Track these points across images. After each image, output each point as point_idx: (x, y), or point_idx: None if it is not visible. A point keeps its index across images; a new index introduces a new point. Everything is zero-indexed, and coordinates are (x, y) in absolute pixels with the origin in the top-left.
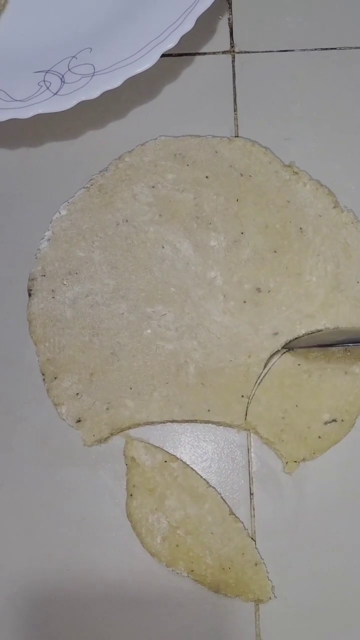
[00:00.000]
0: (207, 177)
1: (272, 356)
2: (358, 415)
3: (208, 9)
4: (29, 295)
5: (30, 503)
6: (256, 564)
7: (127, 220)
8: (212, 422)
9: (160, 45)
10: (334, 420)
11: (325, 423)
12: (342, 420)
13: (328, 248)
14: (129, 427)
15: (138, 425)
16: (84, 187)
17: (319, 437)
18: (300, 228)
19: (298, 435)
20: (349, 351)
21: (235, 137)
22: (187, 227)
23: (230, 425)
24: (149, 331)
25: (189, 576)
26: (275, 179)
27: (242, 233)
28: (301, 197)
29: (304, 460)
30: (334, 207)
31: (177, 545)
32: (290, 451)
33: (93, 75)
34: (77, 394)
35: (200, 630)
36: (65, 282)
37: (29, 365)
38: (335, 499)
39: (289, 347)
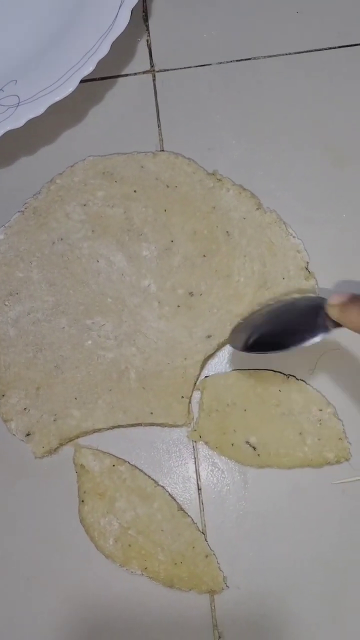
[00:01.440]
0: (135, 191)
1: (206, 358)
2: None
3: (125, 32)
4: None
5: None
6: (207, 556)
7: (62, 239)
8: (156, 424)
9: (79, 71)
10: (253, 448)
11: (246, 442)
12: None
13: (254, 248)
14: (77, 436)
15: (85, 433)
16: (19, 211)
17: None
18: (227, 231)
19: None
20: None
21: (160, 151)
22: (119, 240)
23: (173, 426)
24: (89, 342)
25: (143, 574)
26: (200, 187)
27: (172, 241)
28: (225, 202)
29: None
30: (257, 208)
31: (129, 545)
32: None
33: (18, 106)
34: (25, 408)
35: (159, 625)
36: (7, 303)
37: None
38: (279, 488)
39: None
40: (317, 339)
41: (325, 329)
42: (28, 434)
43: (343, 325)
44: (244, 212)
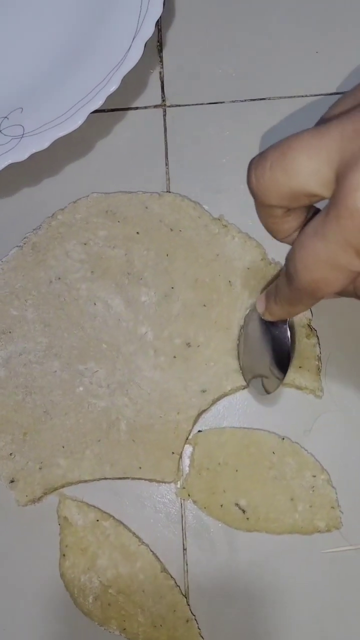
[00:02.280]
0: (137, 232)
1: (200, 413)
2: None
3: (138, 64)
4: None
5: None
6: (187, 621)
7: (59, 278)
8: (144, 479)
9: (87, 105)
10: (243, 510)
11: (236, 504)
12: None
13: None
14: (62, 486)
15: (71, 484)
16: (17, 246)
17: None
18: (229, 281)
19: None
20: None
21: (165, 192)
22: (118, 283)
23: (161, 482)
24: (81, 389)
25: (121, 635)
26: (204, 232)
27: (173, 288)
28: (230, 249)
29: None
30: (262, 259)
31: (109, 604)
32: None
33: (22, 137)
34: (11, 454)
35: None
36: None
37: None
38: (267, 553)
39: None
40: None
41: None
42: (12, 481)
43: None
44: (248, 261)
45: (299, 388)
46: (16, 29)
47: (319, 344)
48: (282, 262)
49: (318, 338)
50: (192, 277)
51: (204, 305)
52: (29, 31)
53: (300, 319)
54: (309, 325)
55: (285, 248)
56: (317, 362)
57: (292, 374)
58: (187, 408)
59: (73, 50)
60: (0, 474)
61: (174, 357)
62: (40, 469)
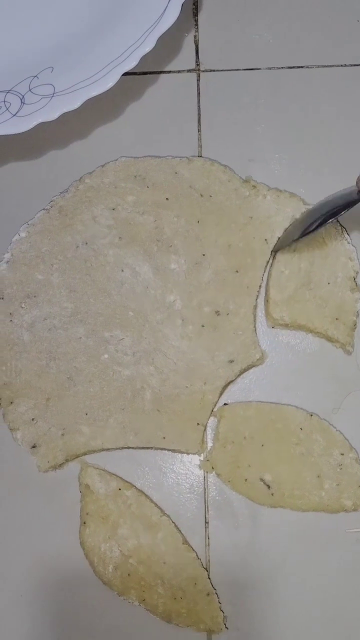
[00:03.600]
0: (167, 198)
1: (226, 385)
2: None
3: (173, 27)
4: None
5: None
6: (208, 594)
7: (86, 243)
8: (168, 449)
9: (120, 65)
10: (267, 486)
11: (261, 480)
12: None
13: (305, 245)
14: (84, 454)
15: (93, 451)
16: (44, 209)
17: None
18: (265, 239)
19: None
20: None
21: (195, 157)
22: (147, 250)
23: (185, 453)
24: (106, 356)
25: (140, 605)
26: (235, 196)
27: (204, 255)
28: (264, 209)
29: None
30: (305, 204)
31: (129, 575)
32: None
33: (53, 96)
34: (33, 419)
35: None
36: (23, 305)
37: None
38: (290, 529)
39: (275, 250)
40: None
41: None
42: (34, 446)
43: None
44: (289, 212)
45: (330, 339)
46: None
47: None
48: None
49: None
50: (225, 244)
51: (237, 271)
52: None
53: (349, 269)
54: (355, 279)
55: (322, 190)
56: (354, 318)
57: (327, 324)
58: (214, 379)
59: (107, 9)
60: (22, 439)
61: (202, 326)
62: (62, 435)
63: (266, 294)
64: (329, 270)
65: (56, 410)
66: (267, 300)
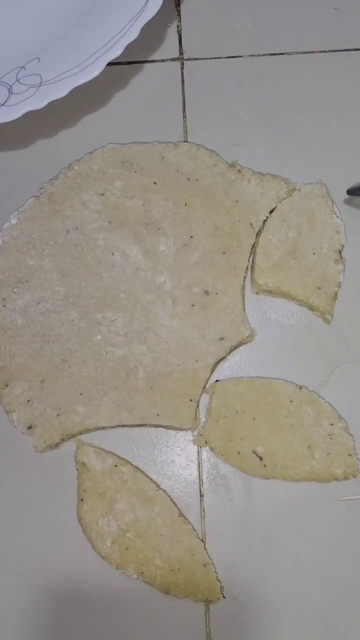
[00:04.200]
0: (154, 183)
1: (217, 362)
2: None
3: (156, 17)
4: None
5: None
6: (205, 565)
7: (76, 228)
8: (162, 426)
9: (105, 54)
10: (260, 458)
11: (253, 452)
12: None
13: (295, 216)
14: (80, 433)
15: (89, 430)
16: (34, 196)
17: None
18: (251, 224)
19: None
20: None
21: (181, 142)
22: (136, 233)
23: (179, 429)
24: (98, 337)
25: (139, 578)
26: (221, 180)
27: (192, 237)
28: (249, 193)
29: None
30: (287, 188)
31: (126, 548)
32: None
33: (40, 86)
34: (28, 400)
35: (151, 632)
36: (15, 291)
37: None
38: (283, 500)
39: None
40: None
41: None
42: (30, 427)
43: None
44: (273, 196)
45: (311, 307)
46: None
47: (344, 274)
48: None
49: (344, 267)
50: (212, 225)
51: (224, 252)
52: None
53: (334, 241)
54: (340, 252)
55: (306, 171)
56: (336, 289)
57: (308, 292)
58: (205, 356)
59: (92, 1)
60: (18, 421)
61: (192, 305)
62: (58, 415)
63: (252, 260)
64: (316, 242)
65: (51, 392)
66: (252, 267)
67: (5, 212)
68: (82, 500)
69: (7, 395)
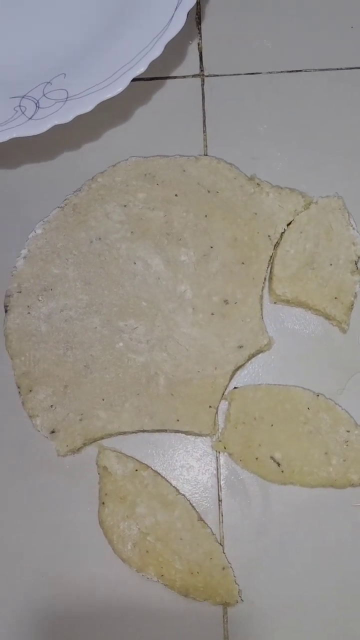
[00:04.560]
0: (176, 195)
1: (236, 369)
2: None
3: (178, 34)
4: (5, 311)
5: (6, 511)
6: (224, 568)
7: (100, 238)
8: (182, 432)
9: (130, 70)
10: (277, 463)
11: (271, 458)
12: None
13: (312, 228)
14: (102, 437)
15: (110, 435)
16: (58, 207)
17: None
18: (269, 236)
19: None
20: None
21: (202, 155)
22: (158, 244)
23: (198, 435)
24: (121, 344)
25: (159, 581)
26: (240, 193)
27: (212, 247)
28: (267, 206)
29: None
30: (305, 202)
31: (147, 551)
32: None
33: (66, 100)
34: (52, 405)
35: (170, 633)
36: (40, 298)
37: (5, 378)
38: (300, 505)
39: None
40: None
41: None
42: (53, 432)
43: None
44: (290, 209)
45: (328, 317)
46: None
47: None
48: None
49: None
50: (231, 237)
51: (242, 263)
52: (71, 2)
53: (351, 253)
54: (356, 263)
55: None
56: (352, 299)
57: (325, 302)
58: (224, 363)
59: (116, 16)
60: (41, 425)
61: (212, 314)
62: (80, 420)
63: (271, 271)
64: (332, 253)
65: (74, 397)
66: (270, 278)
67: (31, 222)
68: (103, 503)
69: (31, 400)
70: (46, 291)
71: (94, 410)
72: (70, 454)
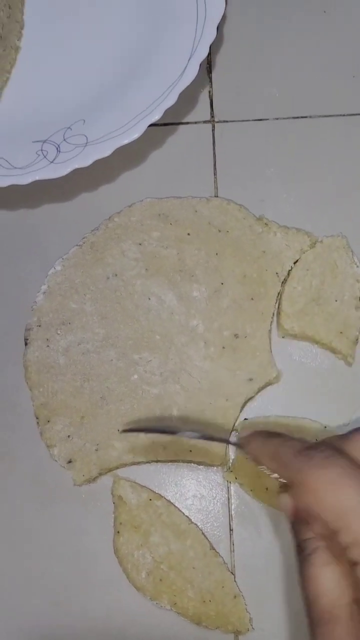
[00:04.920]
0: (188, 234)
1: (246, 401)
2: None
3: (191, 83)
4: (25, 344)
5: (23, 539)
6: (235, 597)
7: (116, 275)
8: (194, 462)
9: (146, 118)
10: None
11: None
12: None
13: (318, 265)
14: (117, 467)
15: (125, 465)
16: (77, 245)
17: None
18: (276, 273)
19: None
20: None
21: (213, 196)
22: (171, 280)
23: (210, 465)
24: (135, 376)
25: (172, 609)
26: (249, 232)
27: (222, 283)
28: (275, 245)
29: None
30: (310, 241)
31: (160, 580)
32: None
33: (86, 145)
34: (69, 436)
35: None
36: (59, 332)
37: (24, 409)
38: None
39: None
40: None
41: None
42: (70, 461)
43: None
44: (297, 248)
45: (334, 350)
46: (79, 43)
47: None
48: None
49: None
50: (241, 273)
51: (252, 299)
52: (91, 47)
53: (355, 289)
54: None
55: (328, 226)
56: (357, 333)
57: (331, 336)
58: (235, 396)
59: (133, 66)
60: (58, 455)
61: (223, 347)
62: (96, 450)
63: (279, 306)
64: (338, 289)
65: (90, 428)
66: (279, 313)
67: (51, 260)
68: (118, 532)
69: (49, 431)
70: (64, 325)
71: (109, 440)
72: (86, 483)
